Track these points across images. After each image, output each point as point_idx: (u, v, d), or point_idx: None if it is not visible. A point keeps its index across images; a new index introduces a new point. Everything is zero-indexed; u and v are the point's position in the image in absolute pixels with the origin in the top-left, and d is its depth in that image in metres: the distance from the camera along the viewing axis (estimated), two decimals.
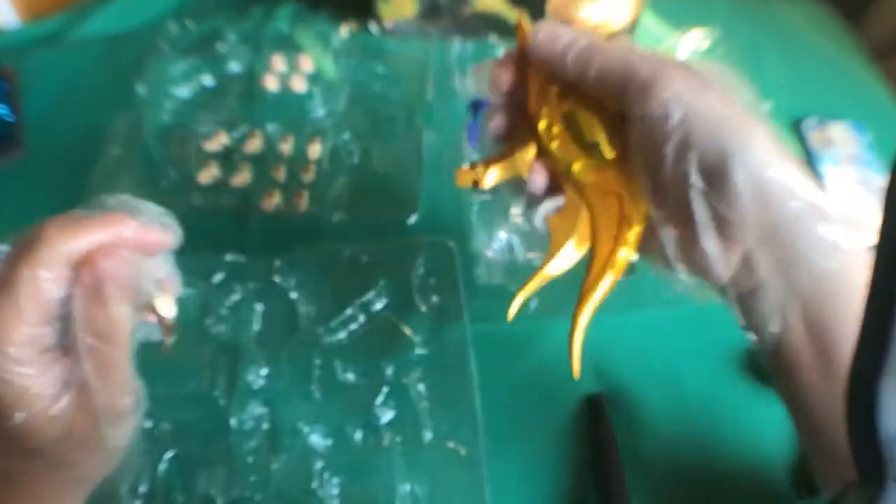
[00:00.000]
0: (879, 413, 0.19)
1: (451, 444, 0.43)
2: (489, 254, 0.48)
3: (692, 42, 0.64)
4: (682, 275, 0.28)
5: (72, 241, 0.27)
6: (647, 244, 0.30)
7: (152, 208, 0.31)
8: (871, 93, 0.68)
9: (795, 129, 0.64)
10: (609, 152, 0.29)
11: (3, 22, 0.64)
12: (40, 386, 0.27)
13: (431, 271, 0.50)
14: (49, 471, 0.29)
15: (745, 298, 0.28)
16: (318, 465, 0.43)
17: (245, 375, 0.45)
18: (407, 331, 0.48)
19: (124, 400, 0.29)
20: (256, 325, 0.48)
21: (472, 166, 0.31)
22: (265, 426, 0.44)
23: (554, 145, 0.30)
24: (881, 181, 0.60)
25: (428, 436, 0.44)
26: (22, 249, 0.27)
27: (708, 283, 0.29)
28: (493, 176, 0.31)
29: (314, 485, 0.42)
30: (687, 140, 0.26)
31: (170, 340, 0.32)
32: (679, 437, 0.46)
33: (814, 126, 0.64)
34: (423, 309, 0.49)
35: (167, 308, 0.31)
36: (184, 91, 0.60)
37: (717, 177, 0.26)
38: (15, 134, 0.56)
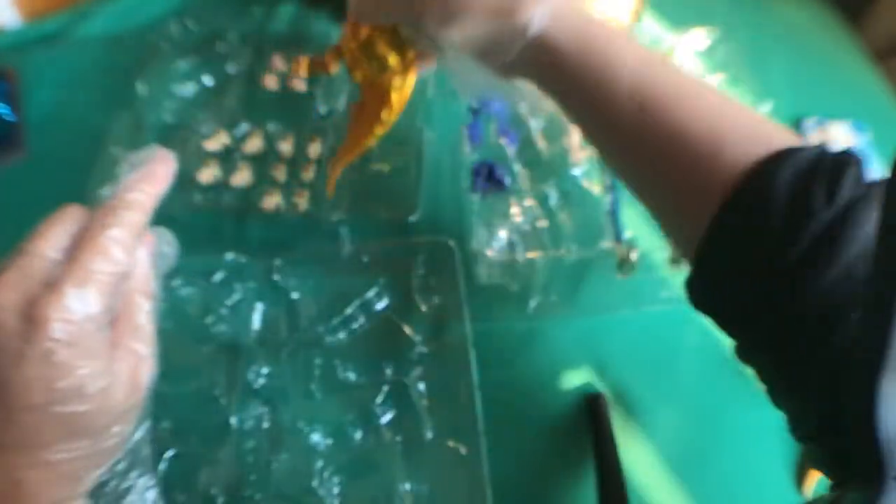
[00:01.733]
0: (879, 413, 0.19)
1: (451, 444, 0.44)
2: (489, 253, 0.48)
3: (692, 42, 0.64)
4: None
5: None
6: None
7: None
8: (871, 93, 0.68)
9: (796, 128, 0.64)
10: (393, 59, 0.40)
11: (3, 22, 0.64)
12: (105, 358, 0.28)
13: (431, 271, 0.50)
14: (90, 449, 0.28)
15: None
16: (319, 464, 0.43)
17: (245, 375, 0.45)
18: (407, 330, 0.48)
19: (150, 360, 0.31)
20: (257, 325, 0.48)
21: (301, 60, 0.44)
22: (266, 425, 0.44)
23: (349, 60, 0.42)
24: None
25: (428, 435, 0.44)
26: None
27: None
28: (304, 67, 0.44)
29: (314, 484, 0.42)
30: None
31: None
32: (679, 436, 0.46)
33: (814, 126, 0.64)
34: (424, 308, 0.49)
35: None
36: (184, 91, 0.59)
37: None
38: (16, 134, 0.56)
